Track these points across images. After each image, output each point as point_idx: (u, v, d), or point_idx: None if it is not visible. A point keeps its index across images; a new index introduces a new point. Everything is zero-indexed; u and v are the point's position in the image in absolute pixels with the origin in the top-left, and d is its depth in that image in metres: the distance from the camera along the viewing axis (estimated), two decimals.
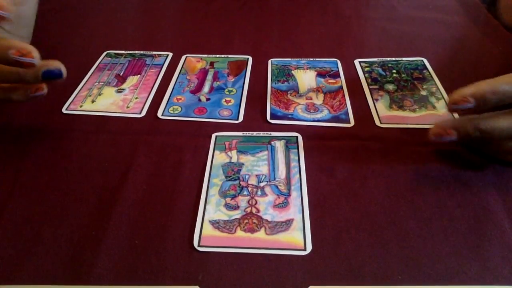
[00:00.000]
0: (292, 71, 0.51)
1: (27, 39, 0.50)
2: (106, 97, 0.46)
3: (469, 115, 0.35)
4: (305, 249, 0.31)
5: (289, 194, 0.35)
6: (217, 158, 0.39)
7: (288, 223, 0.33)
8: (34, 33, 0.53)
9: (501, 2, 0.63)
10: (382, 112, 0.44)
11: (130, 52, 0.55)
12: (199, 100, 0.46)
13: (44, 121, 0.43)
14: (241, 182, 0.36)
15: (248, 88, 0.48)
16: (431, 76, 0.49)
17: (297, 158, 0.38)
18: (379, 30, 0.59)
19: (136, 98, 0.46)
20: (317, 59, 0.53)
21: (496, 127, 0.34)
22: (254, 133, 0.41)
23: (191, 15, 0.65)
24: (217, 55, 0.54)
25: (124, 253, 0.31)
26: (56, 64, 0.37)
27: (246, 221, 0.33)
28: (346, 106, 0.45)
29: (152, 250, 0.31)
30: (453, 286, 0.29)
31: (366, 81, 0.49)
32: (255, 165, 0.38)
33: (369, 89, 0.47)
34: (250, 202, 0.35)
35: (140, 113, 0.44)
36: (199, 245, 0.31)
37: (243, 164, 0.38)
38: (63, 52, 0.55)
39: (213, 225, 0.33)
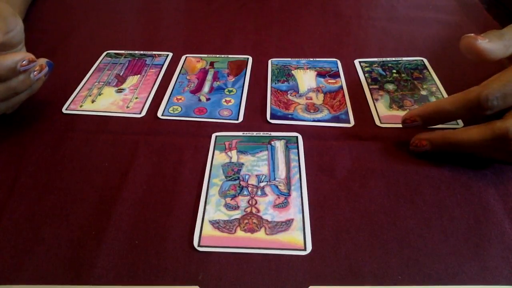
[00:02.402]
0: (292, 71, 0.50)
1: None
2: (106, 97, 0.46)
3: (445, 130, 0.37)
4: (305, 249, 0.31)
5: (289, 194, 0.35)
6: (217, 158, 0.39)
7: (288, 223, 0.33)
8: (35, 33, 0.53)
9: None
10: (382, 112, 0.44)
11: (130, 52, 0.55)
12: (199, 100, 0.46)
13: (44, 121, 0.43)
14: (241, 182, 0.36)
15: (248, 88, 0.48)
16: (431, 76, 0.49)
17: (297, 158, 0.38)
18: (379, 30, 0.59)
19: (136, 98, 0.46)
20: (317, 59, 0.53)
21: (466, 139, 0.35)
22: (254, 133, 0.41)
23: (191, 15, 0.65)
24: (217, 55, 0.54)
25: (124, 253, 0.31)
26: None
27: (246, 221, 0.33)
28: (346, 106, 0.45)
29: (152, 250, 0.31)
30: (453, 286, 0.29)
31: (366, 81, 0.49)
32: (255, 165, 0.38)
33: (369, 89, 0.47)
34: (250, 202, 0.35)
35: (140, 113, 0.44)
36: (199, 245, 0.31)
37: (243, 164, 0.38)
38: (63, 52, 0.54)
39: (213, 225, 0.33)
